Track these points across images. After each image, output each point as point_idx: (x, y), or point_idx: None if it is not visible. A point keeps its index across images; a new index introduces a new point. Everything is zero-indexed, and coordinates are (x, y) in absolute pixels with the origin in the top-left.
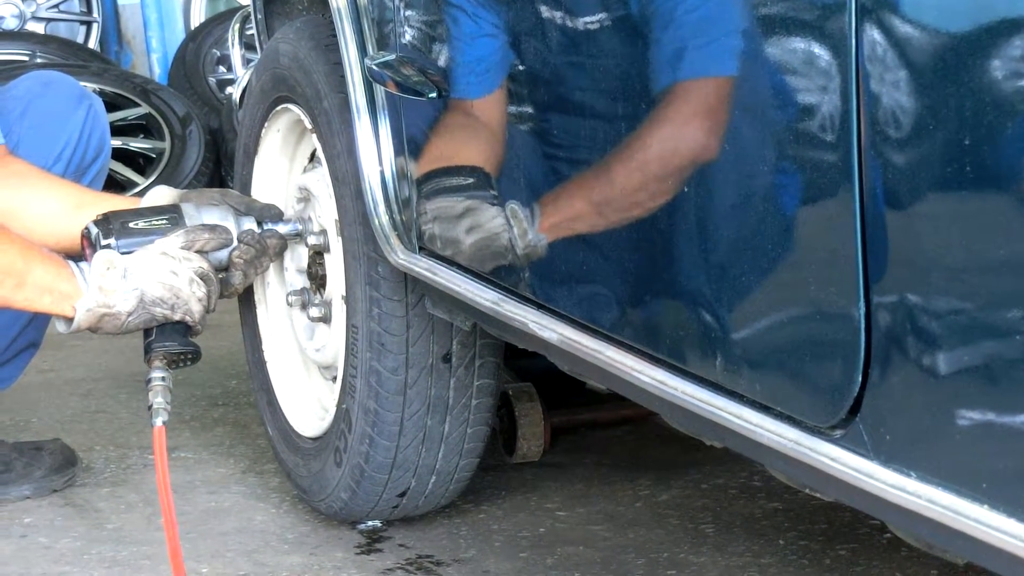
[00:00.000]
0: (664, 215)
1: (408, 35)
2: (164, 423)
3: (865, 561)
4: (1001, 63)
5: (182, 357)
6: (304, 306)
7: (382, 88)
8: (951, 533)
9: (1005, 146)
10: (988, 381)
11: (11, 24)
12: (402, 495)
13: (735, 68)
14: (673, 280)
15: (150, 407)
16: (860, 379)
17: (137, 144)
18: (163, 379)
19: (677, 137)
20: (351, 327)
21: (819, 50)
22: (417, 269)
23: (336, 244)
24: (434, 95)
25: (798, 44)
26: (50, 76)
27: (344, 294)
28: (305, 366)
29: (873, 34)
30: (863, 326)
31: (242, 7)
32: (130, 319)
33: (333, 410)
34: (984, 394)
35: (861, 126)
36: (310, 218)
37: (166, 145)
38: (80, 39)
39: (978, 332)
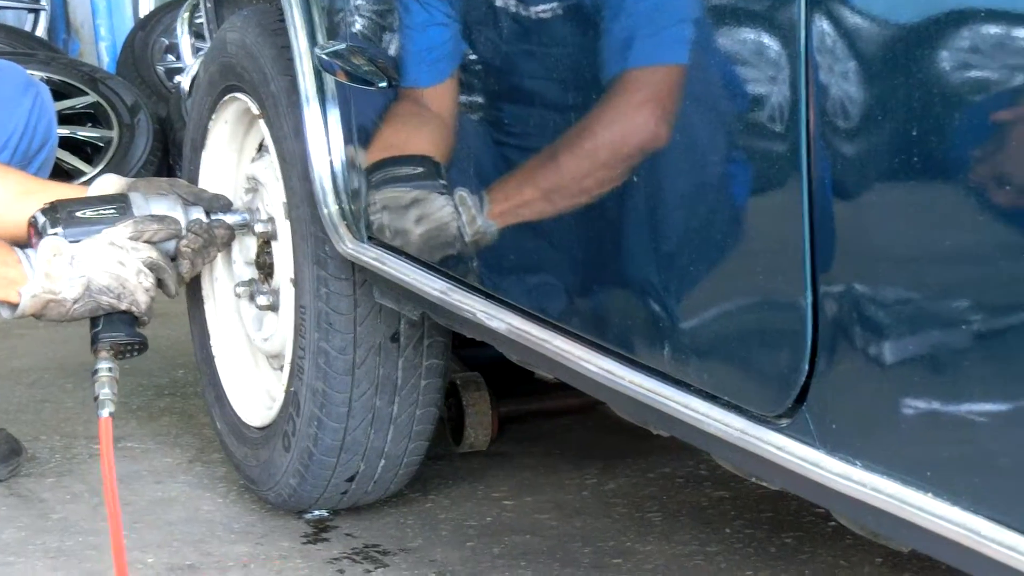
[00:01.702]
0: (613, 204)
1: (358, 24)
2: (111, 414)
3: (810, 549)
4: (950, 54)
5: (129, 347)
6: (252, 296)
7: (332, 77)
8: (896, 521)
9: (953, 137)
10: (934, 371)
11: None
12: (351, 480)
13: (684, 57)
14: (621, 269)
15: (96, 398)
16: (807, 368)
17: (85, 133)
18: (110, 369)
19: (626, 125)
20: (299, 308)
21: (769, 40)
22: (365, 259)
23: (284, 229)
24: (384, 84)
25: (748, 34)
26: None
27: (292, 277)
28: (253, 357)
29: (823, 25)
30: (810, 315)
31: None
32: (76, 307)
33: (281, 398)
34: (929, 384)
35: (810, 116)
36: (258, 208)
37: (114, 134)
38: (28, 27)
39: (925, 322)
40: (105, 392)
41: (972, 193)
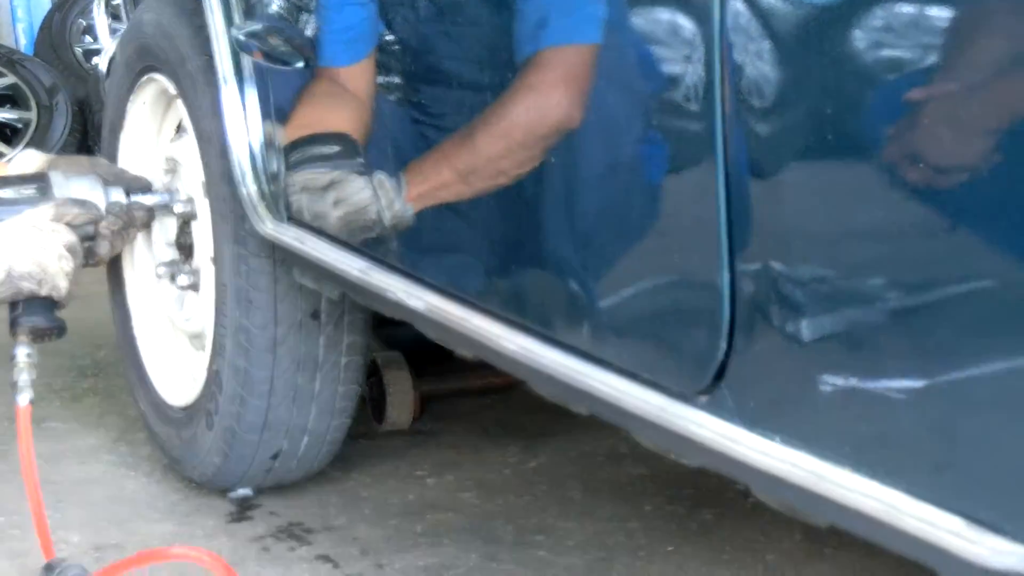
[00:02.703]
0: (529, 183)
1: (275, 4)
2: (31, 400)
3: (730, 524)
4: (863, 33)
5: (48, 332)
6: (173, 277)
7: (249, 58)
8: (814, 497)
9: (865, 116)
10: (850, 348)
11: None
12: (275, 457)
13: (599, 37)
14: (540, 248)
15: (13, 384)
16: (725, 346)
17: (3, 114)
18: (28, 355)
19: (541, 106)
20: (220, 286)
21: (683, 19)
22: (285, 239)
23: (204, 208)
24: (301, 64)
25: (663, 13)
26: None
27: (213, 256)
28: (175, 338)
29: (737, 3)
30: (727, 294)
31: None
32: None
33: (203, 377)
34: (846, 360)
35: (725, 96)
36: (177, 188)
37: (32, 115)
38: None
39: (840, 300)
40: (23, 379)
41: (885, 171)
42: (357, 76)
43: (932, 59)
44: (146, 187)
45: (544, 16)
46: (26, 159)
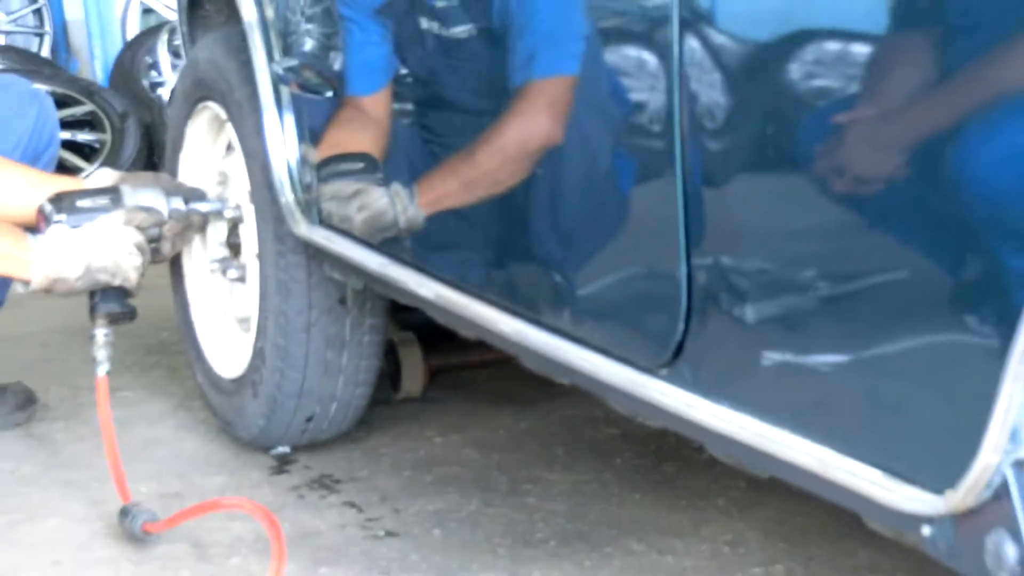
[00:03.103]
0: (521, 191)
1: (308, 44)
2: (107, 372)
3: (687, 476)
4: (795, 67)
5: (121, 316)
6: (224, 271)
7: (286, 88)
8: (757, 453)
9: (798, 135)
10: (787, 328)
11: None
12: (309, 420)
13: (577, 69)
14: (529, 246)
15: (94, 359)
16: (683, 327)
17: (83, 136)
18: (105, 335)
19: (530, 127)
20: (263, 277)
21: (648, 55)
22: (318, 240)
23: (249, 213)
24: (330, 94)
25: (630, 50)
26: (7, 79)
27: (257, 252)
28: (226, 322)
29: (693, 42)
30: (685, 284)
31: (169, 22)
32: (78, 283)
33: (249, 352)
34: (784, 339)
35: (683, 119)
36: (227, 197)
37: (107, 137)
38: (34, 49)
39: (778, 288)
40: (101, 354)
41: (814, 181)
42: (376, 104)
43: (851, 89)
44: (201, 196)
45: (532, 53)
46: (101, 175)
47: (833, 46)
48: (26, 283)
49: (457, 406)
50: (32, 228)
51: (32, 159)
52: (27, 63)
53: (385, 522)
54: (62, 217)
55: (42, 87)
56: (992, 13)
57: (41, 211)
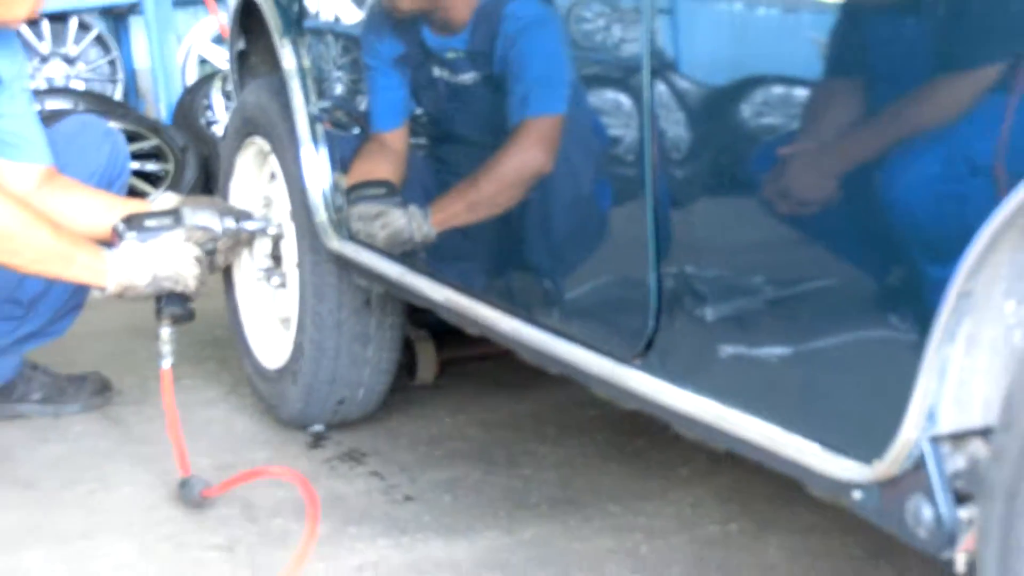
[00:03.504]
0: (517, 212)
1: (339, 89)
2: (171, 365)
3: (656, 449)
4: (746, 108)
5: (182, 317)
6: (268, 278)
7: (321, 125)
8: (715, 430)
9: (749, 165)
10: (739, 325)
11: (61, 82)
12: (340, 403)
13: (564, 109)
14: (524, 258)
15: (160, 353)
16: (653, 325)
17: (150, 166)
18: (169, 333)
19: (525, 158)
20: (302, 284)
21: (623, 97)
22: (347, 252)
23: (290, 231)
24: (357, 131)
25: (608, 93)
26: (87, 119)
27: (296, 262)
28: (269, 321)
29: (661, 87)
30: (655, 288)
31: (222, 70)
32: (145, 290)
33: (290, 347)
34: (737, 334)
35: (653, 150)
36: (271, 217)
37: (170, 167)
38: (109, 93)
39: (732, 292)
40: (166, 349)
41: (763, 203)
42: (396, 139)
43: (792, 126)
44: (249, 216)
45: (526, 95)
46: (165, 199)
47: (777, 90)
48: (102, 289)
49: (464, 391)
50: (107, 243)
51: (107, 185)
52: (103, 105)
53: (403, 489)
54: (132, 234)
55: (115, 125)
56: (906, 64)
57: (115, 229)
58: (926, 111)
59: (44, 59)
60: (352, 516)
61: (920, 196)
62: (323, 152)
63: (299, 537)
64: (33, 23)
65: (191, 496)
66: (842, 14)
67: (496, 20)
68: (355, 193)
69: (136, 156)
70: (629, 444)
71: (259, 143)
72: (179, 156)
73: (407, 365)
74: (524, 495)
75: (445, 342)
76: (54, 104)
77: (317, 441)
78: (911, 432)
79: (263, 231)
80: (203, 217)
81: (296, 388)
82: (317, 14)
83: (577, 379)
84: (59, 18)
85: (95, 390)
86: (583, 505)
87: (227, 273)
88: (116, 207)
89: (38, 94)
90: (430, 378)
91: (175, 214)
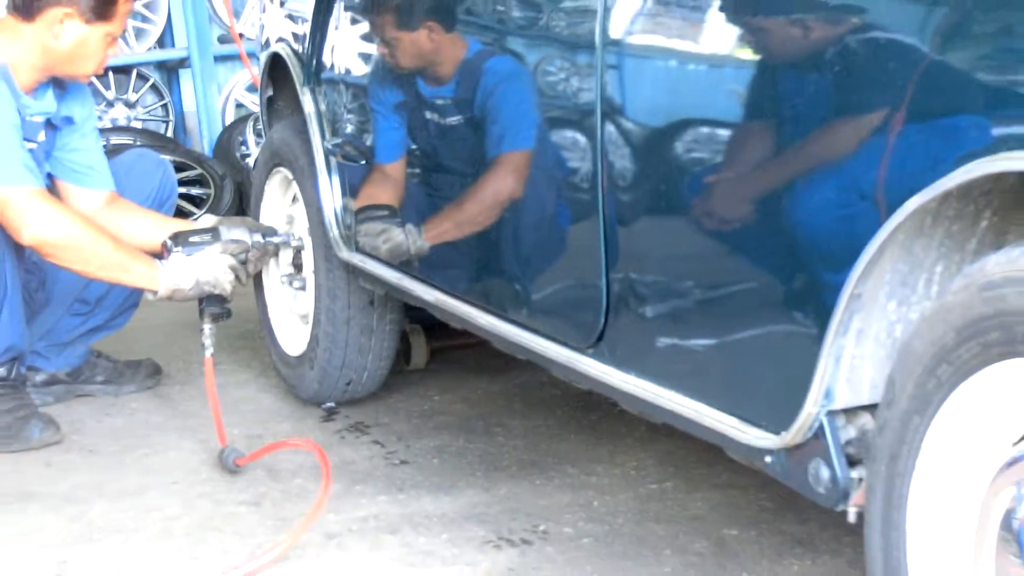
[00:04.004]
0: (493, 229)
1: (349, 128)
2: (211, 354)
3: (606, 423)
4: (680, 143)
5: (220, 315)
6: (291, 283)
7: (334, 158)
8: (654, 407)
9: (683, 190)
10: (673, 321)
11: (123, 122)
12: (348, 384)
13: (532, 145)
14: (499, 266)
15: (202, 344)
16: (603, 320)
17: (194, 191)
18: (210, 328)
19: (501, 185)
20: (318, 287)
21: (579, 135)
22: (354, 262)
23: (308, 243)
24: (364, 162)
25: (567, 132)
26: (143, 151)
27: (314, 269)
28: (291, 317)
29: (610, 127)
30: (605, 291)
31: (254, 113)
32: (190, 292)
33: (308, 339)
34: (672, 328)
35: (603, 179)
36: (293, 232)
37: (211, 191)
38: (162, 131)
39: (669, 294)
40: (207, 341)
41: (694, 222)
42: (395, 169)
43: (716, 159)
44: (275, 232)
45: (501, 134)
46: (205, 219)
47: (704, 130)
48: (154, 293)
49: (449, 375)
50: (158, 255)
51: (158, 206)
52: (157, 141)
53: (400, 454)
54: (179, 249)
55: (166, 157)
56: (807, 112)
57: (164, 244)
58: (823, 149)
59: (110, 104)
60: (358, 477)
61: (819, 217)
62: (336, 180)
63: (315, 494)
64: (101, 75)
65: (227, 464)
66: (756, 70)
67: (477, 74)
68: (362, 214)
69: (183, 183)
70: (584, 418)
71: (284, 172)
72: (218, 183)
73: (403, 353)
74: (498, 459)
75: (434, 334)
76: (117, 140)
77: (329, 415)
78: (812, 408)
79: (286, 244)
80: (237, 233)
81: (312, 372)
82: (332, 67)
83: (541, 364)
84: (122, 70)
85: (148, 374)
86: (546, 467)
87: (257, 278)
88: (165, 225)
89: (104, 132)
90: (422, 363)
91: (214, 231)
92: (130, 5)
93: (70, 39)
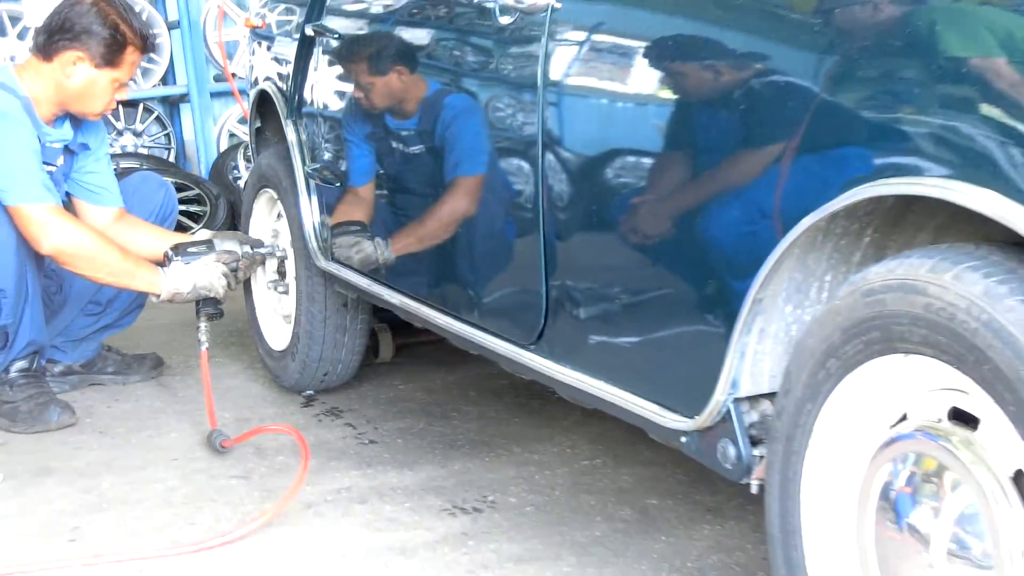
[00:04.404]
0: (450, 242)
1: (326, 155)
2: (207, 348)
3: (549, 408)
4: (610, 169)
5: (214, 315)
6: (276, 287)
7: (313, 181)
8: (586, 394)
9: (611, 210)
10: (603, 322)
11: (131, 149)
12: (325, 375)
13: (484, 171)
14: (454, 274)
15: (199, 340)
16: (543, 321)
17: (193, 208)
18: (206, 326)
19: (455, 205)
20: (299, 291)
21: (523, 163)
22: (330, 270)
23: (291, 254)
24: (339, 185)
25: (512, 160)
26: (147, 174)
27: (296, 276)
28: (276, 318)
29: (550, 156)
30: (544, 296)
31: (245, 141)
32: (188, 295)
33: (290, 335)
34: (600, 328)
35: (544, 200)
36: (278, 244)
37: (207, 209)
38: (165, 157)
39: (598, 299)
40: (203, 338)
41: (620, 237)
42: (366, 191)
43: (640, 184)
44: (262, 244)
45: (457, 161)
46: (202, 233)
47: (630, 159)
48: (157, 296)
49: (412, 367)
50: (160, 263)
51: (160, 221)
52: (160, 165)
53: (369, 435)
54: (178, 258)
55: (168, 179)
56: (719, 144)
57: (165, 254)
58: (731, 175)
59: (120, 133)
60: (332, 454)
61: (727, 233)
62: (314, 200)
63: (296, 469)
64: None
65: (215, 445)
66: (674, 107)
67: (437, 110)
68: (337, 229)
69: (183, 201)
70: (527, 404)
71: (270, 192)
72: (213, 202)
73: (372, 348)
74: (453, 439)
75: (399, 332)
76: (125, 164)
77: (308, 401)
78: (720, 396)
79: (272, 254)
80: (229, 245)
81: (294, 364)
82: (311, 103)
83: (490, 358)
84: (131, 104)
85: (152, 365)
86: (494, 446)
87: (246, 284)
88: (167, 238)
89: (114, 157)
90: (388, 357)
91: (209, 243)
92: (137, 56)
93: (80, 80)
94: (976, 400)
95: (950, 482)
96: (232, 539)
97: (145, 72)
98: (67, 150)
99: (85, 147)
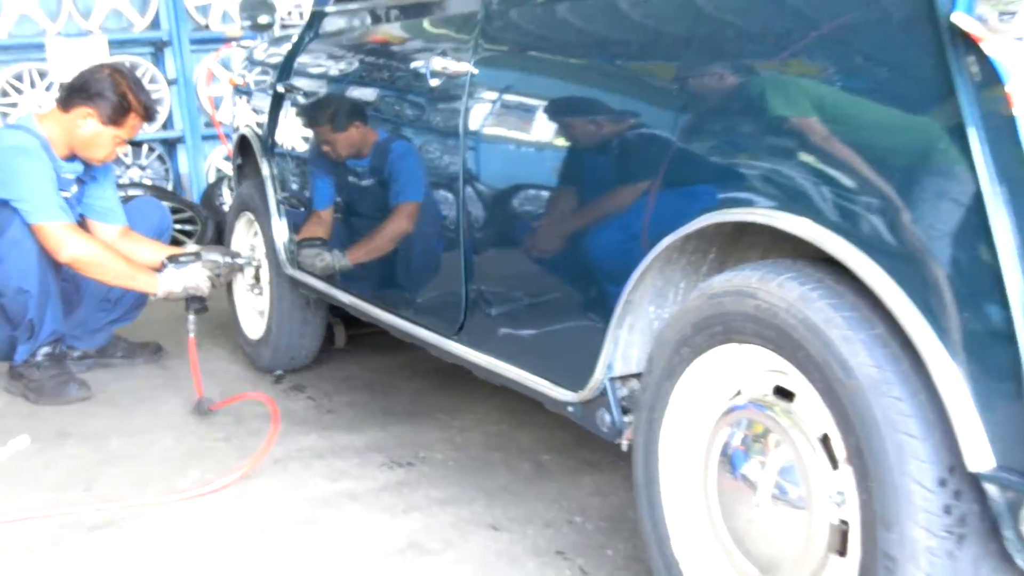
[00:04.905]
0: (392, 254)
1: (294, 186)
2: (194, 336)
3: (468, 385)
4: (516, 199)
5: (201, 310)
6: (252, 289)
7: (283, 206)
8: (496, 374)
9: (517, 230)
10: (510, 317)
11: (136, 180)
12: (292, 358)
13: (420, 197)
14: (394, 280)
15: (187, 329)
16: (463, 316)
17: (187, 227)
18: (193, 319)
19: (398, 224)
20: (271, 292)
21: (449, 194)
22: (297, 276)
23: (265, 263)
24: (303, 209)
25: (441, 190)
26: (148, 199)
27: (269, 280)
28: (252, 313)
29: (469, 189)
30: (464, 297)
31: (229, 175)
32: (179, 294)
33: (264, 327)
34: (509, 321)
35: (464, 222)
36: (255, 256)
37: (198, 228)
38: (164, 186)
39: (506, 300)
40: (191, 327)
41: (524, 251)
42: (326, 214)
43: (540, 211)
44: (239, 255)
45: (400, 190)
46: (192, 246)
47: (532, 191)
48: (155, 295)
49: (361, 352)
50: (157, 269)
51: (158, 237)
52: (160, 193)
53: (326, 406)
54: (171, 265)
55: (166, 203)
56: (600, 178)
57: (161, 262)
58: (609, 204)
59: (127, 166)
60: (296, 421)
61: (606, 249)
62: (284, 221)
63: (267, 432)
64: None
65: (203, 410)
66: (567, 151)
67: (384, 152)
68: (302, 244)
69: (178, 221)
70: (451, 381)
71: (248, 215)
72: (203, 222)
73: (329, 337)
74: (392, 408)
75: (350, 324)
76: (132, 192)
77: (278, 380)
78: (599, 375)
79: (249, 264)
80: (213, 255)
81: (267, 350)
82: (281, 145)
83: (422, 346)
84: (136, 144)
85: (153, 351)
86: (424, 414)
87: (229, 287)
88: (163, 250)
89: (122, 186)
90: (342, 345)
91: (197, 254)
92: (139, 121)
93: (88, 132)
94: (793, 379)
95: (773, 442)
96: (216, 488)
97: None
98: (79, 180)
99: (94, 178)
